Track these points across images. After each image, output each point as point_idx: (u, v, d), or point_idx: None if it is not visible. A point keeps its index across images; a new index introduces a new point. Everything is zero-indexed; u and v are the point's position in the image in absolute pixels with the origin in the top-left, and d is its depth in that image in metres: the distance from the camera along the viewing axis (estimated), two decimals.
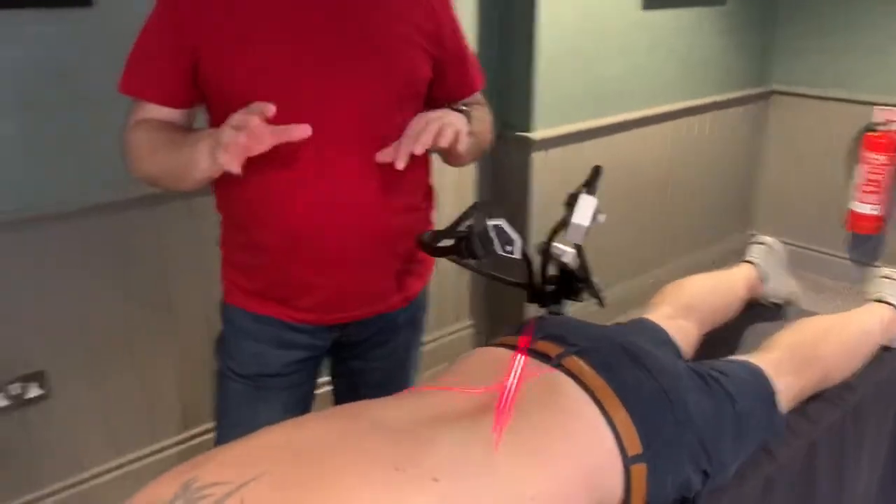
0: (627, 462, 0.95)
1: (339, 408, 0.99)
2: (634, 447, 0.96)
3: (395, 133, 1.25)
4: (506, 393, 0.97)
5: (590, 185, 1.01)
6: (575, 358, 1.03)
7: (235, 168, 1.05)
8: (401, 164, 1.16)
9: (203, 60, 1.19)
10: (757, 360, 1.24)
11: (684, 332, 1.39)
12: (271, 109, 1.05)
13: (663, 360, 1.08)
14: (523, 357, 1.04)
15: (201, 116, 1.29)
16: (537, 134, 2.63)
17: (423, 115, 1.22)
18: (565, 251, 1.40)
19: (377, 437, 0.87)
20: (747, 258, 1.71)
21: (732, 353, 1.31)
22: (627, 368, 1.03)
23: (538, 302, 1.40)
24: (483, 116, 1.41)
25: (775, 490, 1.12)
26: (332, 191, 1.23)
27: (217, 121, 1.21)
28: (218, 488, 0.76)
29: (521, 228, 2.76)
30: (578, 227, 1.03)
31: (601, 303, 1.47)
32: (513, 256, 1.08)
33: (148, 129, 1.23)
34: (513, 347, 1.08)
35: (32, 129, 1.72)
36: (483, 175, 2.74)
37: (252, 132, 1.04)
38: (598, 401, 0.97)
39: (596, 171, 1.07)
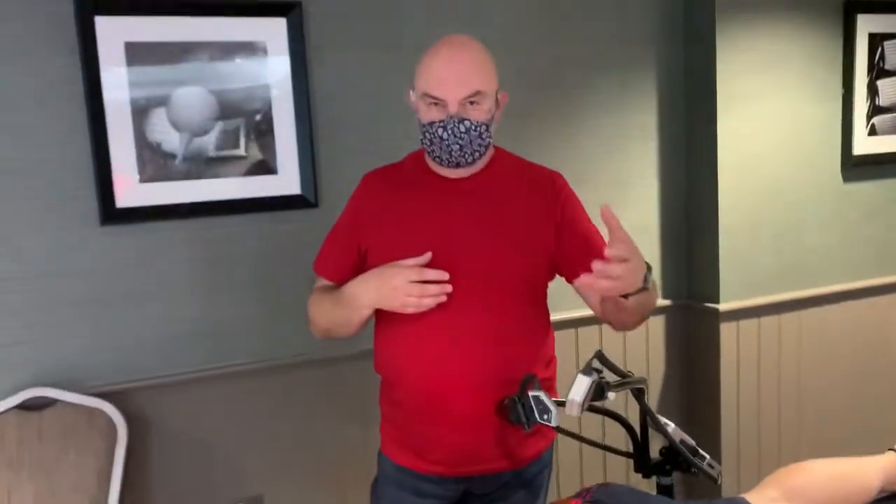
0: None
1: None
2: None
3: (515, 314, 1.50)
4: None
5: (587, 367, 1.15)
6: None
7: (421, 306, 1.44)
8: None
9: (369, 253, 1.56)
10: None
11: None
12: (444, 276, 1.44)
13: None
14: None
15: None
16: (725, 305, 2.66)
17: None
18: (669, 423, 1.49)
19: None
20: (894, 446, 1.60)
21: None
22: None
23: (642, 472, 1.48)
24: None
25: None
26: (459, 362, 1.48)
27: None
28: None
29: (712, 399, 2.73)
30: (572, 401, 1.16)
31: (715, 480, 1.50)
32: (550, 425, 1.22)
33: (320, 292, 1.62)
34: None
35: (266, 300, 2.22)
36: (672, 344, 2.80)
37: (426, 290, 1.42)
38: None
39: (595, 355, 1.20)
